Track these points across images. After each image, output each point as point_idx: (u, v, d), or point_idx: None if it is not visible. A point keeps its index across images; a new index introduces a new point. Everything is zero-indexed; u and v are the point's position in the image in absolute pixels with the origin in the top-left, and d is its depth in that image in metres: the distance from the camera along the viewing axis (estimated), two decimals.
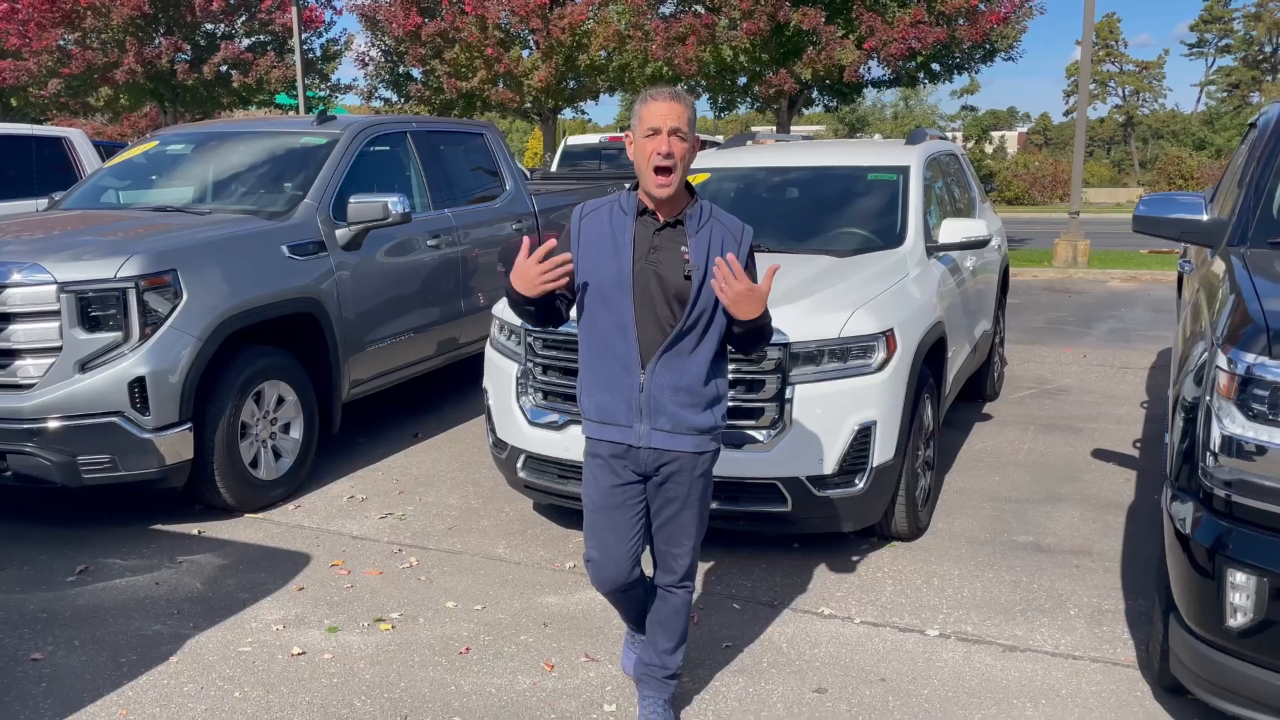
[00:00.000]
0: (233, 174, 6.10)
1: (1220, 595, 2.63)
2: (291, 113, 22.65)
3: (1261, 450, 2.57)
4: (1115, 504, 5.01)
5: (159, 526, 4.85)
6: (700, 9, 16.01)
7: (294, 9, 18.82)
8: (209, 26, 20.84)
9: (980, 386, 6.84)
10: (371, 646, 3.66)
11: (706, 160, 6.18)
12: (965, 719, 3.13)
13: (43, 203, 6.91)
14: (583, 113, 22.80)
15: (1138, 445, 6.01)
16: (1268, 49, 63.92)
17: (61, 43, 19.63)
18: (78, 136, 9.31)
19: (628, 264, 2.76)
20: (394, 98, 20.30)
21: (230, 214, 5.52)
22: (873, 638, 3.68)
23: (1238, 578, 2.60)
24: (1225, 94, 67.29)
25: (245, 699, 3.31)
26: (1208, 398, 2.76)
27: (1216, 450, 2.67)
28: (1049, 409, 6.89)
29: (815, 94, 17.59)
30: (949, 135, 10.24)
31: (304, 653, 3.61)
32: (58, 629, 3.81)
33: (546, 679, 3.42)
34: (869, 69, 16.01)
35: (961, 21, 15.17)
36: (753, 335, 2.84)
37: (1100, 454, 5.85)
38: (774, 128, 18.43)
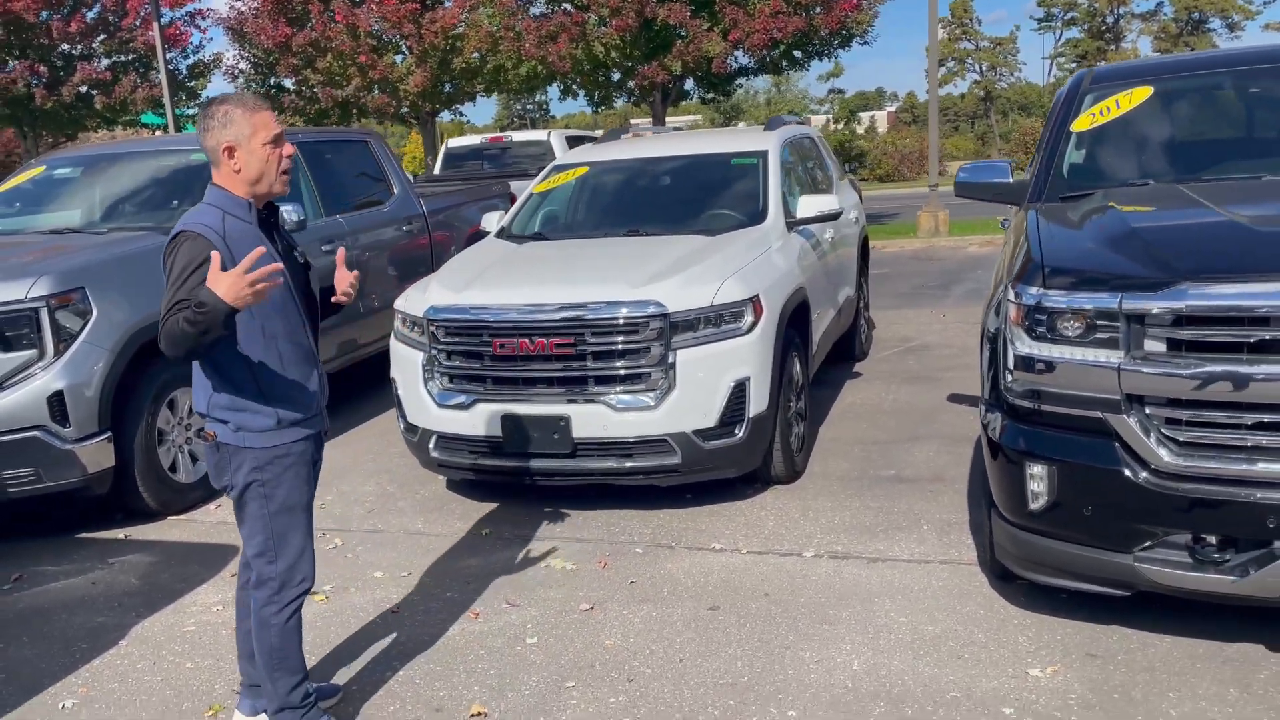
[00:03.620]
0: (128, 193, 6.27)
1: (1023, 485, 3.22)
2: (159, 132, 22.15)
3: (1045, 364, 3.17)
4: (966, 438, 5.67)
5: (85, 535, 5.06)
6: (569, 7, 16.47)
7: (155, 25, 18.46)
8: (65, 48, 20.23)
9: (850, 348, 7.48)
10: (308, 615, 3.95)
11: (584, 154, 6.64)
12: (835, 617, 3.68)
13: None
14: (461, 115, 22.97)
15: None
16: (1110, 19, 67.82)
17: None
18: None
19: (283, 269, 2.82)
20: None
21: (130, 231, 5.71)
22: (758, 563, 4.20)
23: (1035, 469, 3.19)
24: (1074, 65, 70.95)
25: (198, 669, 3.63)
26: (1004, 327, 3.36)
27: (1012, 368, 3.27)
28: (912, 364, 7.59)
29: (689, 85, 18.24)
30: (825, 118, 10.85)
31: None
32: (3, 630, 4.04)
33: (474, 625, 3.83)
34: (736, 59, 16.75)
35: (817, 10, 16.01)
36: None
37: (955, 398, 6.53)
38: (650, 120, 19.01)
